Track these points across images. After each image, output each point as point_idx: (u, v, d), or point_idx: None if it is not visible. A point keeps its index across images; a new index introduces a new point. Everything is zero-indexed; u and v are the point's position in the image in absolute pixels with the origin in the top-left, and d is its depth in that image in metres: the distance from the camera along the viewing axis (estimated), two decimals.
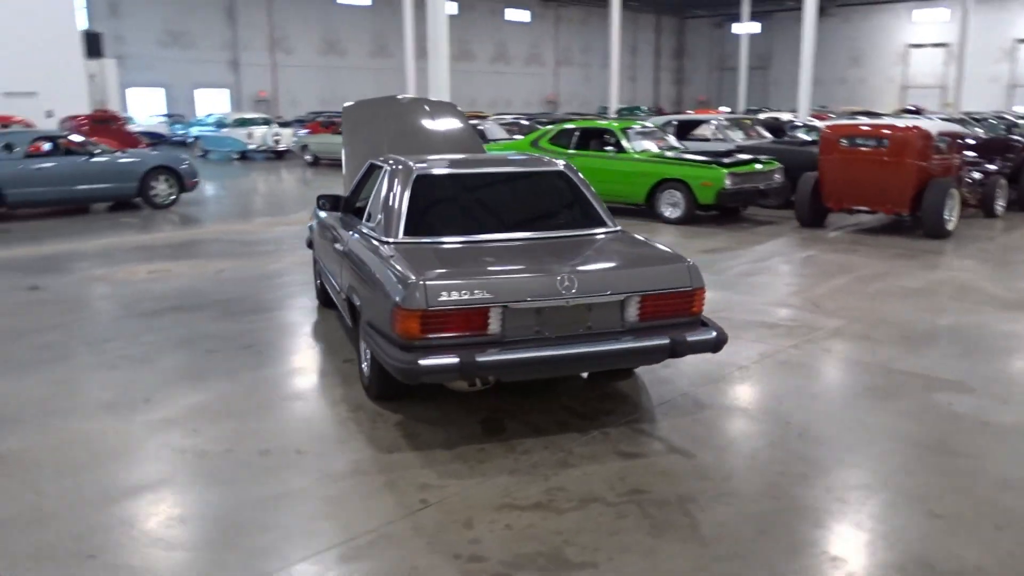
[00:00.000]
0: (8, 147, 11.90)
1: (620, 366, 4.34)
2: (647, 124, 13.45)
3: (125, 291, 7.31)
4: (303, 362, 5.28)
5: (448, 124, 7.00)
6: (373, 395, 4.50)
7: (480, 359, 3.67)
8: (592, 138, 12.20)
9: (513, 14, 53.22)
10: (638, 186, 11.27)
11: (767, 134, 14.20)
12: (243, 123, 25.95)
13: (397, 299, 3.74)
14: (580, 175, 5.03)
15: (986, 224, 11.09)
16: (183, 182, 13.48)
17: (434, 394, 4.52)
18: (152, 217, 12.38)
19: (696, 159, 11.00)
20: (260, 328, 6.03)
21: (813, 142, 12.84)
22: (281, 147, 25.56)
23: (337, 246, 5.11)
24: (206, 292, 7.23)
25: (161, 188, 13.24)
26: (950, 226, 9.84)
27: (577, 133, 12.30)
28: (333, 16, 44.39)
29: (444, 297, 3.71)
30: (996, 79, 45.85)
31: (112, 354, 5.44)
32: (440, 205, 4.67)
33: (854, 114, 25.06)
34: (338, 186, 11.58)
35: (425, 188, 4.66)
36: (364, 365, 4.55)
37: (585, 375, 4.86)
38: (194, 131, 28.74)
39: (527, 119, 23.35)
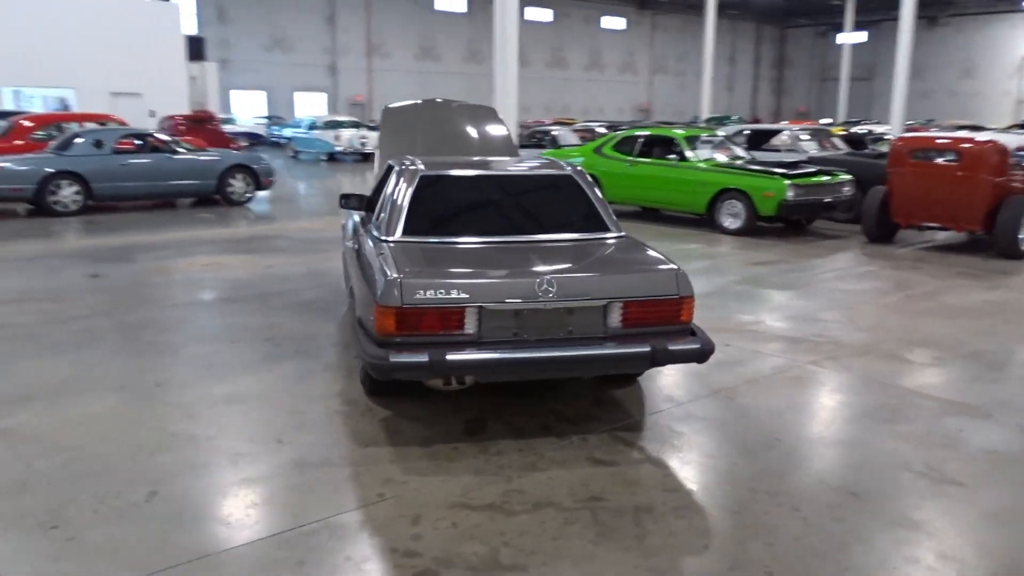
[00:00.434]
0: (97, 144, 12.60)
1: (599, 372, 4.29)
2: (718, 133, 13.22)
3: (175, 282, 7.64)
4: (317, 357, 5.41)
5: (484, 128, 7.06)
6: (367, 390, 4.59)
7: (450, 358, 3.70)
8: (655, 146, 12.06)
9: (609, 22, 53.07)
10: (698, 195, 11.08)
11: (843, 145, 13.72)
12: (332, 125, 26.70)
13: (376, 295, 3.81)
14: (589, 180, 5.00)
15: None
16: (259, 180, 14.00)
17: (427, 392, 4.57)
18: (227, 213, 12.89)
19: (759, 169, 10.74)
20: (287, 322, 6.21)
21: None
22: (368, 149, 26.18)
23: (348, 243, 5.23)
24: (250, 286, 7.49)
25: (238, 186, 13.78)
26: None
27: (640, 140, 12.18)
28: (429, 22, 45.26)
29: (420, 295, 3.75)
30: None
31: (142, 341, 5.70)
32: (442, 206, 4.71)
33: (957, 128, 23.96)
34: None
35: (429, 189, 4.72)
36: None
37: (590, 379, 4.84)
38: (287, 133, 29.73)
39: (607, 127, 23.21)
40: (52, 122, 15.38)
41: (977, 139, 9.68)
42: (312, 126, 27.37)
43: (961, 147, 9.48)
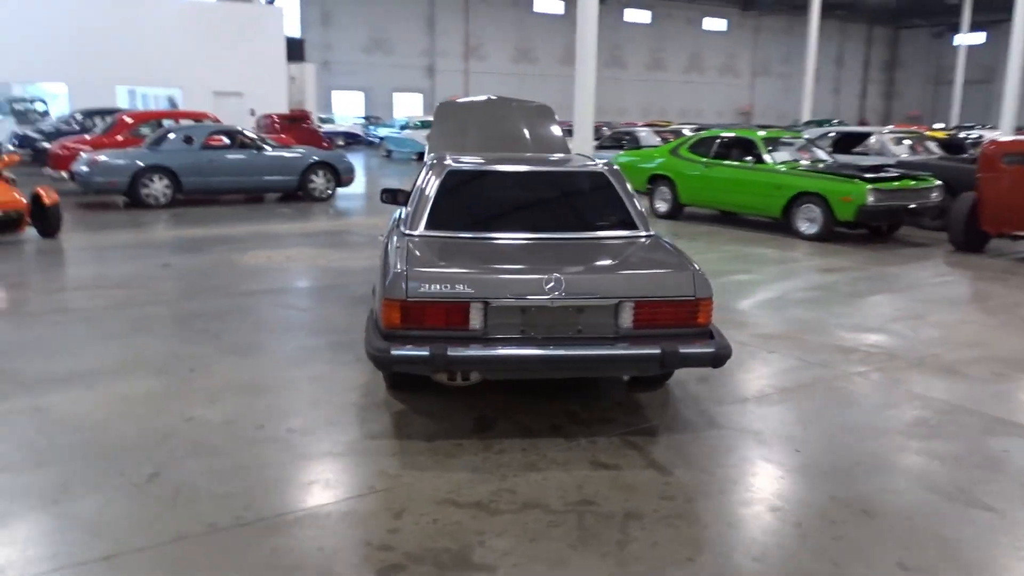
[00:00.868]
0: (187, 140, 13.14)
1: (607, 373, 4.17)
2: (804, 135, 12.78)
3: (237, 273, 7.87)
4: (351, 350, 5.46)
5: (538, 127, 6.99)
6: (388, 384, 4.60)
7: (452, 353, 3.66)
8: (732, 147, 11.73)
9: (710, 23, 52.09)
10: (774, 199, 10.71)
11: (937, 150, 13.02)
12: (423, 126, 27.10)
13: (384, 288, 3.82)
14: (622, 177, 4.88)
15: None
16: (340, 177, 14.33)
17: (445, 388, 4.55)
18: (306, 209, 13.24)
19: (839, 173, 10.30)
20: (334, 315, 6.30)
21: None
22: None
23: (380, 237, 5.26)
24: (308, 278, 7.65)
25: (319, 182, 14.14)
26: None
27: (717, 142, 11.88)
28: (527, 24, 45.45)
29: (424, 289, 3.74)
30: None
31: (191, 328, 5.89)
32: (469, 201, 4.69)
33: None
34: None
35: (456, 184, 4.70)
36: None
37: (617, 381, 4.73)
38: (381, 132, 30.37)
39: (695, 129, 22.74)
40: (151, 119, 16.15)
41: None
42: (404, 126, 27.88)
43: None
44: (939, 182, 10.48)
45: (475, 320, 3.78)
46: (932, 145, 13.03)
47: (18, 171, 18.25)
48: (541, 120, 7.16)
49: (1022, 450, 3.94)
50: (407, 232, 4.47)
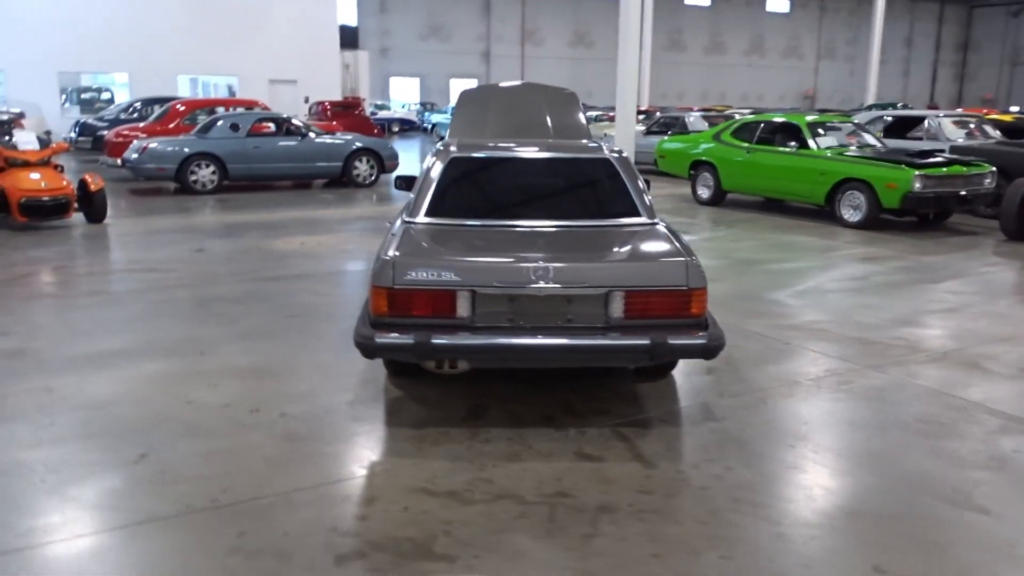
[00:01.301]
0: (234, 127, 13.37)
1: (595, 363, 4.10)
2: (854, 119, 12.40)
3: (267, 258, 7.99)
4: None
5: (560, 113, 6.89)
6: (389, 372, 4.61)
7: (436, 341, 3.64)
8: (776, 132, 11.43)
9: (773, 4, 50.87)
10: (817, 185, 10.40)
11: (994, 133, 12.49)
12: None
13: (372, 276, 3.82)
14: (629, 165, 4.78)
15: None
16: (383, 164, 14.43)
17: (444, 376, 4.53)
18: (349, 195, 13.37)
19: (885, 158, 9.95)
20: (351, 300, 6.34)
21: None
22: None
23: (387, 223, 5.26)
24: (335, 264, 7.73)
25: (363, 168, 14.25)
26: None
27: (761, 126, 11.60)
28: (583, 8, 45.02)
29: (411, 276, 3.72)
30: None
31: (210, 312, 6.00)
32: (471, 188, 4.66)
33: None
34: None
35: (460, 171, 4.67)
36: None
37: (619, 371, 4.66)
38: (434, 119, 30.48)
39: (750, 114, 22.25)
40: (203, 107, 16.47)
41: None
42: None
43: None
44: (992, 168, 10.04)
45: (463, 308, 3.75)
46: (990, 129, 12.50)
47: (78, 158, 18.86)
48: (564, 107, 7.05)
49: None
50: (408, 219, 4.46)
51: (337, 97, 26.36)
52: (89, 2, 23.80)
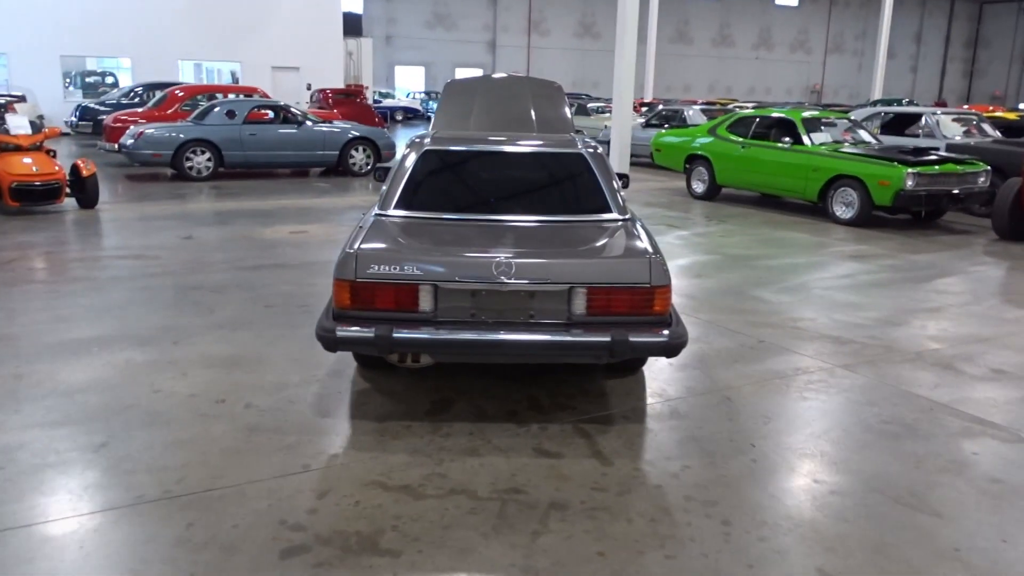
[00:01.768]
0: (230, 114, 13.37)
1: (556, 360, 4.08)
2: (850, 115, 12.34)
3: (253, 247, 8.00)
4: None
5: (542, 107, 6.87)
6: (358, 363, 4.62)
7: (397, 335, 3.65)
8: (772, 128, 11.39)
9: None
10: (810, 182, 10.37)
11: (993, 132, 12.41)
12: None
13: (334, 268, 3.82)
14: (603, 160, 4.77)
15: None
16: (380, 153, 14.42)
17: (416, 368, 4.54)
18: (345, 184, 13.36)
19: (878, 156, 9.91)
20: (329, 291, 6.34)
21: None
22: None
23: (362, 214, 5.26)
24: (319, 253, 7.73)
25: (359, 157, 14.25)
26: None
27: (756, 121, 11.55)
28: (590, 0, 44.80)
29: (373, 270, 3.72)
30: None
31: (188, 301, 6.01)
32: (442, 182, 4.64)
33: None
34: None
35: (432, 164, 4.66)
36: None
37: (590, 367, 4.67)
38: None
39: (753, 108, 22.18)
40: (201, 93, 16.46)
41: None
42: None
43: None
44: (987, 167, 9.99)
45: (425, 303, 3.75)
46: (989, 127, 12.42)
47: (79, 142, 18.90)
48: (549, 100, 7.04)
49: (992, 453, 3.74)
50: (378, 212, 4.45)
51: (340, 85, 26.32)
52: None
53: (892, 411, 4.22)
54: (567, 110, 6.91)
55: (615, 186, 4.65)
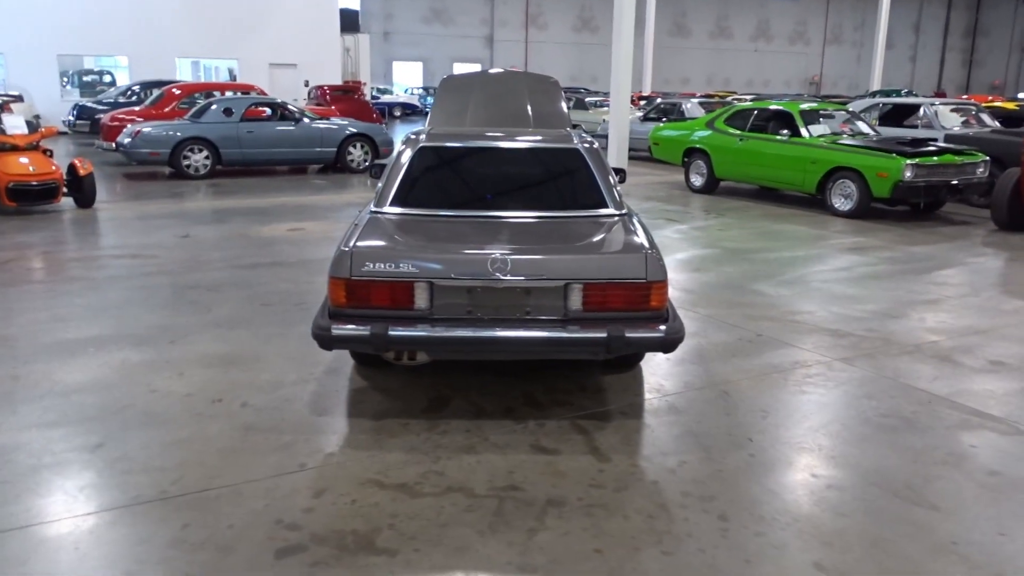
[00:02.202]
0: (228, 112, 13.35)
1: (553, 356, 4.08)
2: (848, 107, 12.31)
3: (250, 245, 7.98)
4: None
5: (539, 102, 6.85)
6: (356, 361, 4.61)
7: (393, 333, 3.64)
8: (770, 120, 11.36)
9: None
10: (808, 174, 10.35)
11: (991, 122, 12.38)
12: None
13: (330, 266, 3.81)
14: (599, 155, 4.75)
15: None
16: (378, 149, 14.40)
17: (412, 366, 4.54)
18: (342, 181, 13.35)
19: (877, 147, 9.88)
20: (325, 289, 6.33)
21: None
22: None
23: (359, 212, 5.25)
24: (316, 250, 7.72)
25: (356, 154, 14.23)
26: None
27: (754, 114, 11.52)
28: None
29: (368, 267, 3.71)
30: None
31: (185, 299, 6.00)
32: (438, 178, 4.63)
33: None
34: None
35: (427, 160, 4.65)
36: None
37: (588, 363, 4.66)
38: None
39: (751, 100, 22.13)
40: (198, 91, 16.43)
41: None
42: None
43: None
44: (985, 157, 9.96)
45: (420, 300, 3.74)
46: (987, 118, 12.39)
47: (76, 141, 18.87)
48: (546, 95, 7.02)
49: (990, 446, 3.73)
50: (374, 209, 4.44)
51: (338, 81, 26.27)
52: None
53: (890, 404, 4.21)
54: (564, 105, 6.89)
55: (611, 181, 4.64)
